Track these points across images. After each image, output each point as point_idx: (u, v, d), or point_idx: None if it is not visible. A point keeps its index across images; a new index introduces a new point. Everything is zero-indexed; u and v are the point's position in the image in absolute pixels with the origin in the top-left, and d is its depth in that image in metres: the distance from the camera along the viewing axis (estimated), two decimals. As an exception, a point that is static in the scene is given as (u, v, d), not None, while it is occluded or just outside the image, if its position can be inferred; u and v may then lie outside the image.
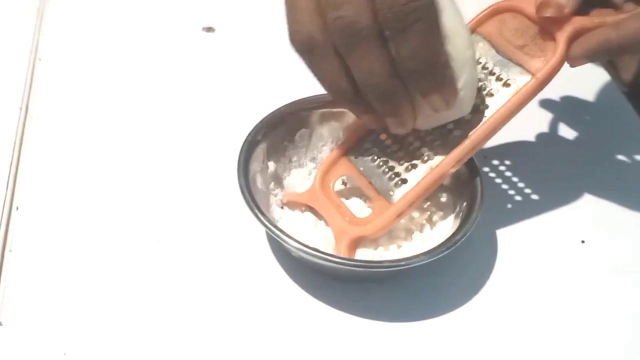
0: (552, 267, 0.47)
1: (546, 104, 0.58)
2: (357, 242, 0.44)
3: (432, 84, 0.39)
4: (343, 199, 0.47)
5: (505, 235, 0.48)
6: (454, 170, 0.44)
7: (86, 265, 0.45)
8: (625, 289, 0.46)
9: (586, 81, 0.60)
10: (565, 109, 0.58)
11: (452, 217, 0.46)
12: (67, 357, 0.40)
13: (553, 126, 0.57)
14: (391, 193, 0.44)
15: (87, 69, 0.58)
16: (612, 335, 0.44)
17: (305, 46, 0.39)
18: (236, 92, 0.57)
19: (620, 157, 0.55)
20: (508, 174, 0.53)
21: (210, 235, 0.47)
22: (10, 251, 0.45)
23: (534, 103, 0.56)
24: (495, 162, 0.53)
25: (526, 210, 0.50)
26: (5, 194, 0.48)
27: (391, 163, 0.45)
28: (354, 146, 0.47)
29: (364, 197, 0.47)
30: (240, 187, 0.44)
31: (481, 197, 0.44)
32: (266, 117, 0.48)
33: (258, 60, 0.60)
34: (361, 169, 0.46)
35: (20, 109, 0.54)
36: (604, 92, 0.59)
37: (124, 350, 0.41)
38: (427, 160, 0.44)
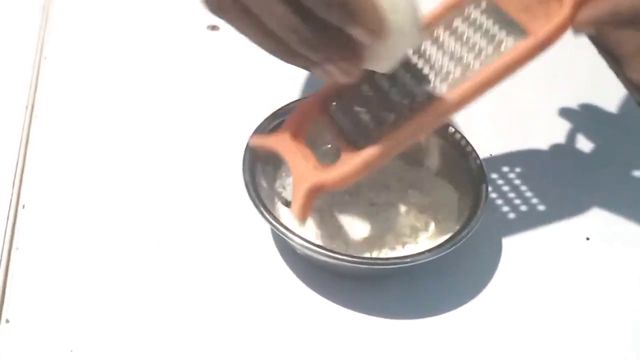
0: (556, 264, 0.47)
1: (555, 107, 0.58)
2: (318, 191, 0.40)
3: (344, 13, 0.35)
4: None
5: (510, 233, 0.48)
6: (434, 126, 0.41)
7: (92, 262, 0.45)
8: (630, 286, 0.46)
9: (598, 89, 0.59)
10: (573, 112, 0.58)
11: (456, 216, 0.46)
12: (73, 354, 0.40)
13: (559, 127, 0.57)
14: (362, 143, 0.41)
15: (92, 67, 0.58)
16: (618, 332, 0.44)
17: (216, 9, 0.38)
18: (241, 90, 0.57)
19: (626, 154, 0.55)
20: (512, 172, 0.53)
21: (215, 231, 0.47)
22: (17, 249, 0.45)
23: (543, 105, 0.56)
24: (500, 160, 0.53)
25: (531, 207, 0.50)
26: (12, 192, 0.48)
27: (368, 114, 0.42)
28: (334, 94, 0.44)
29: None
30: (245, 183, 0.44)
31: (486, 196, 0.44)
32: (271, 115, 0.48)
33: (262, 58, 0.60)
34: (336, 117, 0.43)
35: (26, 107, 0.54)
36: (616, 100, 0.59)
37: (130, 347, 0.41)
38: (405, 114, 0.41)
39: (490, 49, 0.41)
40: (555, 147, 0.55)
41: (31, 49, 0.59)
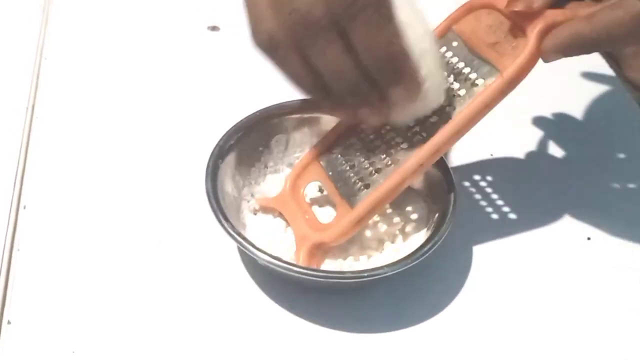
0: (557, 264, 0.47)
1: (556, 107, 0.58)
2: (319, 249, 0.43)
3: (391, 75, 0.39)
4: (316, 206, 0.46)
5: (510, 235, 0.48)
6: (417, 174, 0.42)
7: (93, 263, 0.45)
8: (632, 286, 0.46)
9: (600, 89, 0.59)
10: (575, 113, 0.58)
11: (424, 229, 0.45)
12: (75, 355, 0.40)
13: (560, 127, 0.57)
14: (354, 198, 0.43)
15: (92, 67, 0.58)
16: (619, 332, 0.44)
17: (267, 46, 0.38)
18: (241, 90, 0.57)
19: (627, 154, 0.55)
20: (513, 172, 0.53)
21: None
22: (18, 250, 0.45)
23: (545, 106, 0.56)
24: (500, 161, 0.53)
25: (533, 208, 0.50)
26: (13, 193, 0.48)
27: (357, 168, 0.44)
28: (325, 151, 0.46)
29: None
30: (207, 192, 0.43)
31: (453, 209, 0.43)
32: (240, 121, 0.47)
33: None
34: (330, 173, 0.45)
35: (27, 108, 0.54)
36: (618, 101, 0.59)
37: (131, 348, 0.41)
38: (390, 164, 0.43)
39: (462, 91, 0.42)
40: (557, 148, 0.55)
41: (31, 50, 0.59)
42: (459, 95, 0.42)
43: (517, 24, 0.41)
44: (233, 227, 0.42)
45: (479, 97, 0.41)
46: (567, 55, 0.40)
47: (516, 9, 0.40)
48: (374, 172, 0.44)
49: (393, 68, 0.38)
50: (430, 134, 0.42)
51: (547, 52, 0.40)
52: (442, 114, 0.42)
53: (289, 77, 0.40)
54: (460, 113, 0.42)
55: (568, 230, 0.49)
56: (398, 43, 0.38)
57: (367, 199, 0.43)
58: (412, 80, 0.39)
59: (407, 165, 0.42)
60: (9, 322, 0.41)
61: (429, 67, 0.40)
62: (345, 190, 0.44)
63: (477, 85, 0.42)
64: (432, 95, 0.41)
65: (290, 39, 0.37)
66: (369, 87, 0.39)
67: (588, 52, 0.40)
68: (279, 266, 0.41)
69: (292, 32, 0.37)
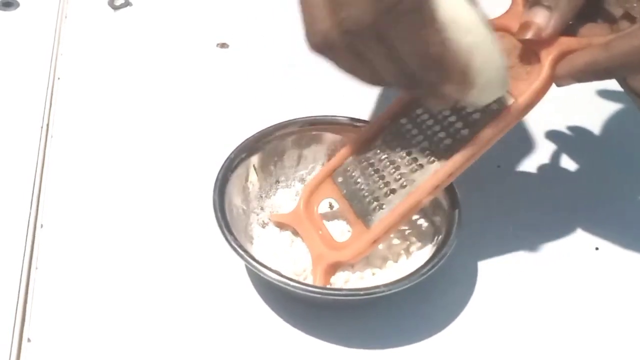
0: (565, 274, 0.47)
1: (561, 115, 0.58)
2: (335, 268, 0.44)
3: (436, 75, 0.39)
4: (327, 222, 0.46)
5: (516, 243, 0.49)
6: (431, 197, 0.43)
7: (111, 280, 0.45)
8: (640, 295, 0.47)
9: (606, 97, 0.60)
10: (580, 121, 0.58)
11: (429, 246, 0.45)
12: (94, 371, 0.41)
13: (567, 135, 0.57)
14: (369, 218, 0.44)
15: (105, 85, 0.59)
16: (629, 343, 0.44)
17: (321, 47, 0.39)
18: (250, 107, 0.58)
19: (634, 164, 0.55)
20: (519, 181, 0.53)
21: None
22: (37, 268, 0.46)
23: (550, 113, 0.57)
24: (506, 170, 0.54)
25: (538, 214, 0.51)
26: (30, 212, 0.49)
27: (372, 187, 0.45)
28: (339, 168, 0.46)
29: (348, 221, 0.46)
30: (214, 204, 0.44)
31: (457, 229, 0.43)
32: (252, 136, 0.48)
33: (272, 76, 0.61)
34: (344, 191, 0.46)
35: (41, 128, 0.55)
36: (623, 110, 0.59)
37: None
38: (405, 186, 0.43)
39: (477, 115, 0.42)
40: (564, 158, 0.55)
41: (44, 69, 0.60)
42: (473, 119, 0.43)
43: (532, 49, 0.41)
44: (235, 239, 0.42)
45: (494, 122, 0.42)
46: (580, 81, 0.41)
47: (526, 37, 0.41)
48: (389, 192, 0.44)
49: (437, 68, 0.38)
50: (444, 157, 0.43)
51: (561, 77, 0.41)
52: (455, 137, 0.43)
53: (345, 72, 0.41)
54: (474, 137, 0.42)
55: (576, 240, 0.49)
56: (438, 44, 0.38)
57: (383, 220, 0.43)
58: (461, 76, 0.39)
59: (422, 188, 0.43)
60: (28, 340, 0.42)
61: (481, 61, 0.39)
62: (360, 209, 0.44)
63: (492, 109, 0.42)
64: (488, 88, 0.40)
65: (343, 40, 0.38)
66: (418, 86, 0.40)
67: (602, 78, 0.41)
68: (277, 280, 0.41)
69: (344, 36, 0.38)
